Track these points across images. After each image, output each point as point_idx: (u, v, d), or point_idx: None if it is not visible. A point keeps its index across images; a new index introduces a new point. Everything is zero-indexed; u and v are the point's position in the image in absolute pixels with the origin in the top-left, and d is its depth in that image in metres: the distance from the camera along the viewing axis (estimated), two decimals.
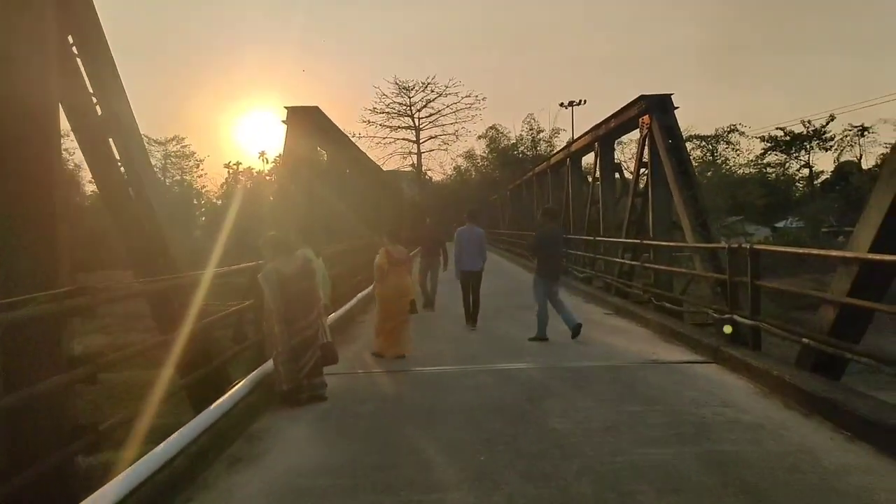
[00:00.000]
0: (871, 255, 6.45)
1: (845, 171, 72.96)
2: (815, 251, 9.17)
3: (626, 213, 14.75)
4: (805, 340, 7.09)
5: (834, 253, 7.51)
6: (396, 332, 9.43)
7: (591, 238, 17.63)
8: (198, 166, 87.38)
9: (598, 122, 16.47)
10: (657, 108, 12.66)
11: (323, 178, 16.14)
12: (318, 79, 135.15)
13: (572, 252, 20.43)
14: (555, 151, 23.68)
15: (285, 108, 13.25)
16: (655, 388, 7.26)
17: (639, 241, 13.36)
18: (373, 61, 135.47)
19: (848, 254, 6.81)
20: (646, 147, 13.45)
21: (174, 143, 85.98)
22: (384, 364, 9.05)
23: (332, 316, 10.92)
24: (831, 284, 7.14)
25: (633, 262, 14.22)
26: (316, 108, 14.20)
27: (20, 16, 5.69)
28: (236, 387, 6.45)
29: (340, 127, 17.42)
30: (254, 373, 7.00)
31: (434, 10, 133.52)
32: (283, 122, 13.20)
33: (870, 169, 69.34)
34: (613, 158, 16.76)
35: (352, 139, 23.26)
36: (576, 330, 10.29)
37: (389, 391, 7.68)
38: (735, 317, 8.65)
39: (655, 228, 12.99)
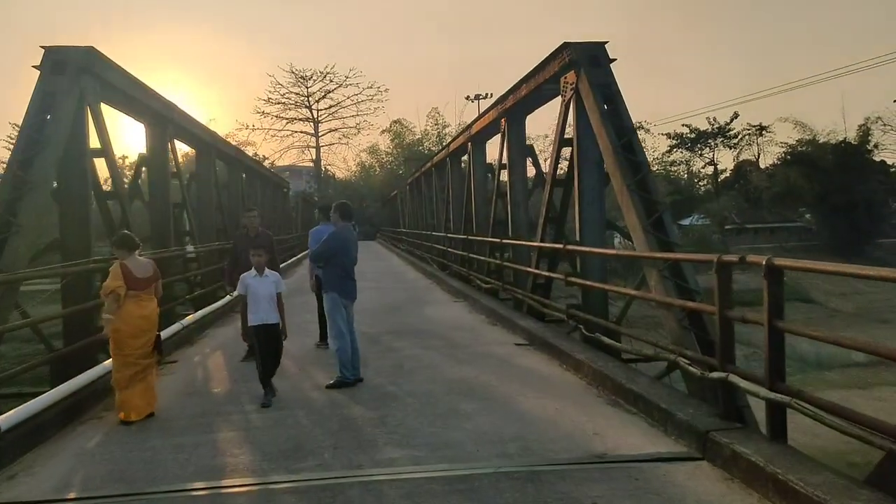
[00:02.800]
0: None
1: (744, 170, 73.17)
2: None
3: (543, 209, 11.10)
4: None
5: None
6: (142, 382, 6.42)
7: (498, 241, 14.01)
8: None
9: (506, 90, 12.82)
10: (587, 62, 9.07)
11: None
12: (209, 66, 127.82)
13: (475, 257, 16.80)
14: (456, 135, 19.76)
15: (42, 47, 8.85)
16: None
17: (561, 245, 9.74)
18: (272, 52, 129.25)
19: None
20: (570, 116, 9.85)
21: None
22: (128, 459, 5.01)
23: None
24: None
25: (553, 275, 10.62)
26: (91, 51, 9.60)
27: None
28: None
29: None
30: None
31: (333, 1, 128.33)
32: (37, 67, 8.81)
33: (766, 168, 69.66)
34: (524, 138, 13.15)
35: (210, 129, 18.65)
36: (340, 383, 7.42)
37: None
38: (736, 380, 5.07)
39: (584, 229, 9.41)
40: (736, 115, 70.09)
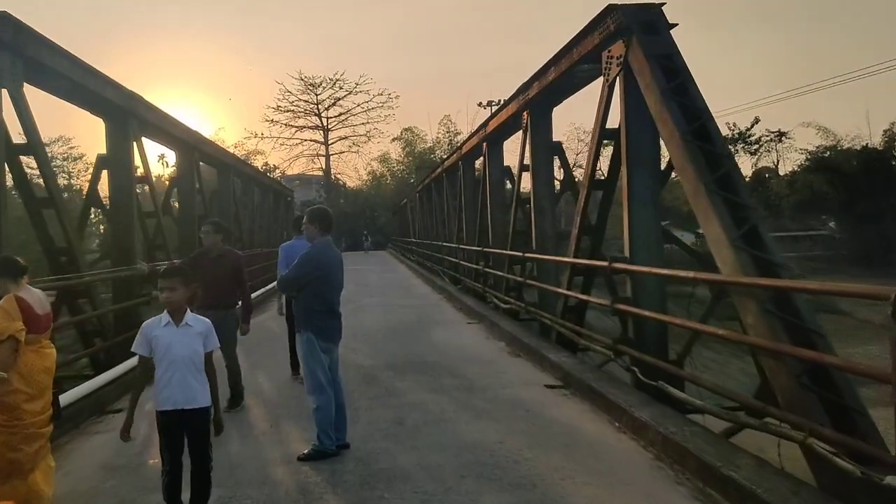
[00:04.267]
0: None
1: (763, 177, 71.05)
2: None
3: (577, 217, 9.09)
4: None
5: None
6: (45, 459, 4.49)
7: (519, 255, 12.03)
8: (87, 169, 78.43)
9: (529, 77, 10.81)
10: (639, 28, 7.03)
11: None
12: (221, 74, 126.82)
13: (491, 272, 14.81)
14: (470, 136, 17.73)
15: None
16: None
17: (604, 262, 7.71)
18: (283, 60, 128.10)
19: None
20: (613, 99, 7.84)
21: (59, 143, 76.89)
22: None
23: None
24: None
25: (595, 300, 8.60)
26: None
27: None
28: None
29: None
30: None
31: (345, 9, 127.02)
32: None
33: (786, 175, 67.41)
34: (551, 134, 11.06)
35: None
36: (317, 453, 5.45)
37: None
38: None
39: (635, 242, 7.37)
40: (757, 120, 67.89)
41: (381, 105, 73.25)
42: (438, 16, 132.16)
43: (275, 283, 10.95)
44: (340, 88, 71.65)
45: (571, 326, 9.40)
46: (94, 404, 7.39)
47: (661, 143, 7.11)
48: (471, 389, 7.80)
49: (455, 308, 16.08)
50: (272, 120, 71.50)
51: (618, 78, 7.60)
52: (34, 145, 8.42)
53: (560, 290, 9.89)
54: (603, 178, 8.92)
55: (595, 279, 9.51)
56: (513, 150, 14.83)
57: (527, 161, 12.16)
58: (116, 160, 11.39)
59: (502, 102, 13.00)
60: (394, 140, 76.75)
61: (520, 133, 12.16)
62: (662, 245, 7.84)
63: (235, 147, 65.35)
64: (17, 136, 8.31)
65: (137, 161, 11.95)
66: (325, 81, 70.95)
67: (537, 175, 11.34)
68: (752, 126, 68.36)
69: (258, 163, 65.11)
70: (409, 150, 75.15)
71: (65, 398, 6.57)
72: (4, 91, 7.52)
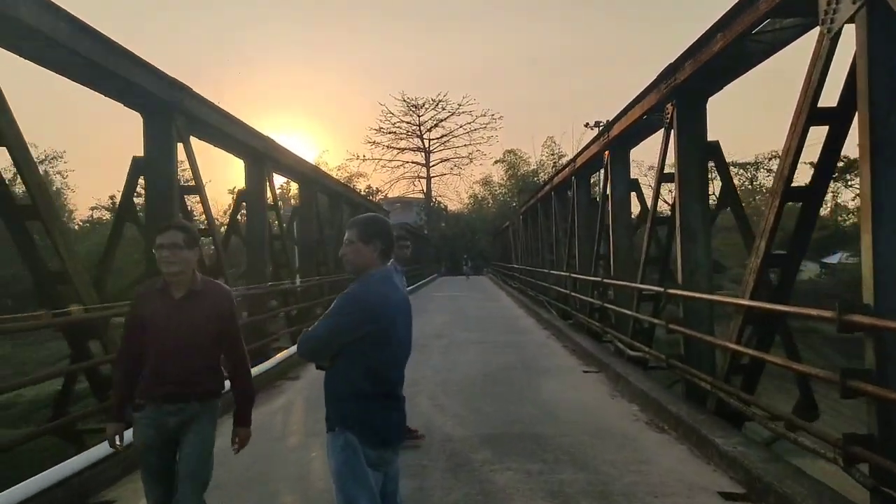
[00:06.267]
0: None
1: None
2: None
3: (762, 241, 6.30)
4: None
5: None
6: None
7: (658, 290, 9.27)
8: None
9: (678, 56, 8.10)
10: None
11: None
12: (325, 97, 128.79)
13: (613, 308, 12.07)
14: (586, 145, 14.99)
15: None
16: None
17: (832, 311, 4.89)
18: (384, 83, 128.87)
19: None
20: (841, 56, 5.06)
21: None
22: None
23: None
24: None
25: (806, 371, 5.76)
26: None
27: None
28: None
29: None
30: None
31: (450, 31, 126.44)
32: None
33: None
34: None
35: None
36: None
37: None
38: None
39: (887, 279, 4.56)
40: None
41: (483, 126, 71.98)
42: (543, 37, 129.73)
43: None
44: (443, 110, 70.93)
45: (738, 393, 6.62)
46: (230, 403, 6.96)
47: None
48: (607, 498, 5.15)
49: (566, 349, 13.37)
50: (374, 142, 71.41)
51: (859, 15, 4.80)
52: (198, 186, 10.07)
53: (722, 342, 7.10)
54: (805, 186, 6.11)
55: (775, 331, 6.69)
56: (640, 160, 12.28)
57: (668, 169, 9.43)
58: (253, 194, 13.35)
59: (636, 96, 10.26)
60: (496, 162, 75.34)
61: (654, 136, 9.48)
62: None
63: (338, 170, 65.07)
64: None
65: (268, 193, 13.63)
66: (427, 103, 70.41)
67: (685, 185, 8.54)
68: None
69: (361, 185, 64.53)
70: (512, 173, 73.41)
71: None
72: (180, 144, 8.95)
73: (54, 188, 45.78)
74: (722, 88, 8.40)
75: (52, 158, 45.22)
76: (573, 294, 16.11)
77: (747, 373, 6.95)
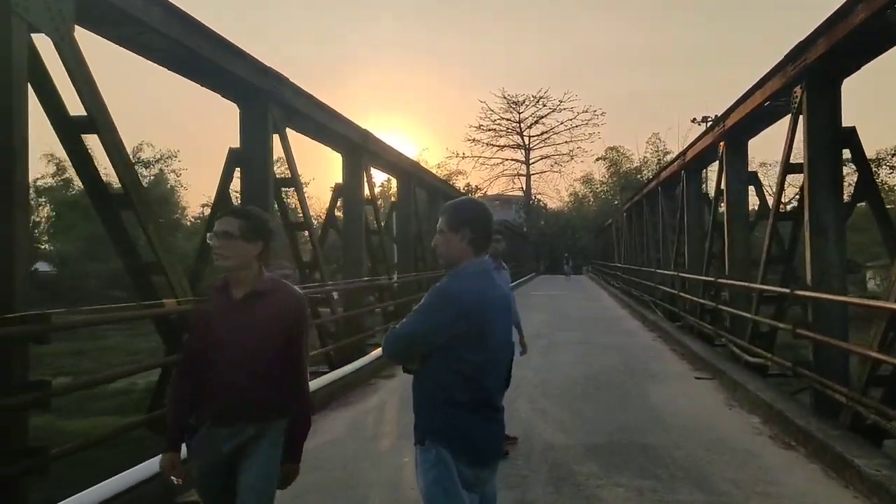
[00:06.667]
0: None
1: None
2: None
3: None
4: None
5: None
6: None
7: (783, 291, 8.52)
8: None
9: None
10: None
11: None
12: (424, 96, 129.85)
13: (728, 311, 11.29)
14: (698, 137, 14.11)
15: None
16: None
17: None
18: (485, 81, 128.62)
19: None
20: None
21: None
22: None
23: None
24: None
25: None
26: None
27: None
28: None
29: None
30: None
31: (551, 27, 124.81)
32: None
33: None
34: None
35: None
36: None
37: None
38: None
39: None
40: None
41: (585, 123, 70.24)
42: (649, 30, 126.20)
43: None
44: (544, 106, 69.74)
45: (878, 406, 5.89)
46: (328, 397, 8.41)
47: None
48: None
49: (675, 353, 12.62)
50: (474, 139, 70.99)
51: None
52: (294, 179, 9.83)
53: (861, 350, 6.35)
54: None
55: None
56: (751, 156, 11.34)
57: (794, 159, 8.62)
58: (350, 188, 13.13)
59: (756, 81, 9.45)
60: (598, 160, 73.56)
61: (779, 123, 8.64)
62: None
63: (438, 167, 65.38)
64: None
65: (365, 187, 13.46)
66: (528, 99, 69.40)
67: (815, 177, 7.72)
68: None
69: (460, 183, 64.57)
70: (614, 171, 71.63)
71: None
72: (276, 135, 8.81)
73: (168, 186, 47.83)
74: (859, 68, 7.54)
75: (166, 157, 47.21)
76: (681, 294, 15.27)
77: (890, 384, 6.18)
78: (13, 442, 4.46)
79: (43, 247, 46.29)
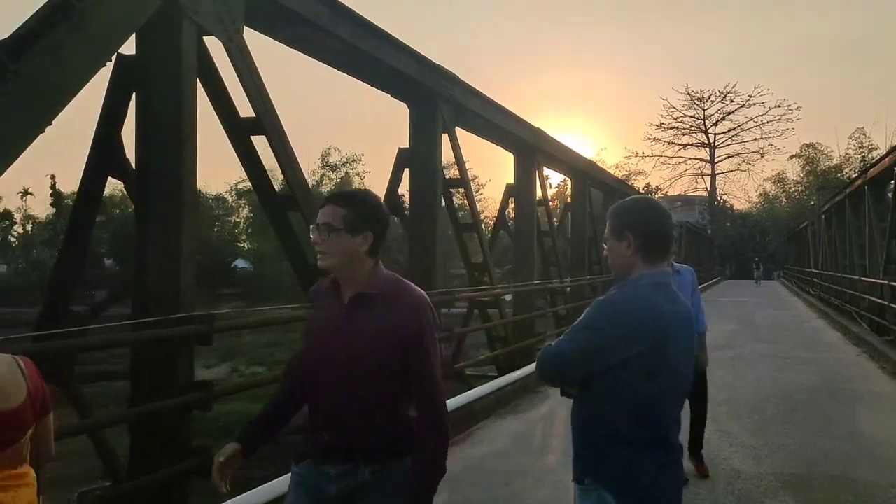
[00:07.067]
0: None
1: None
2: None
3: None
4: None
5: None
6: None
7: None
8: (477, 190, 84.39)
9: None
10: None
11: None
12: (602, 96, 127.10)
13: None
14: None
15: None
16: None
17: None
18: (665, 79, 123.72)
19: None
20: None
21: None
22: None
23: None
24: None
25: None
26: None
27: None
28: None
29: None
30: None
31: (740, 19, 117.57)
32: None
33: None
34: None
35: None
36: None
37: None
38: None
39: None
40: None
41: (777, 119, 65.65)
42: (850, 18, 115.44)
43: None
44: (731, 102, 66.10)
45: None
46: (494, 403, 8.06)
47: None
48: None
49: (885, 372, 11.13)
50: (654, 138, 68.63)
51: None
52: (464, 179, 9.88)
53: None
54: None
55: None
56: None
57: None
58: (522, 188, 12.81)
59: None
60: (791, 157, 68.09)
61: None
62: None
63: (616, 168, 63.70)
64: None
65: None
66: (713, 95, 66.05)
67: None
68: None
69: (639, 184, 62.54)
70: (810, 169, 66.01)
71: (472, 394, 7.83)
72: (444, 134, 8.72)
73: (353, 188, 49.98)
74: None
75: (351, 161, 49.41)
76: (892, 305, 13.54)
77: None
78: (178, 441, 4.57)
79: (242, 245, 50.21)
